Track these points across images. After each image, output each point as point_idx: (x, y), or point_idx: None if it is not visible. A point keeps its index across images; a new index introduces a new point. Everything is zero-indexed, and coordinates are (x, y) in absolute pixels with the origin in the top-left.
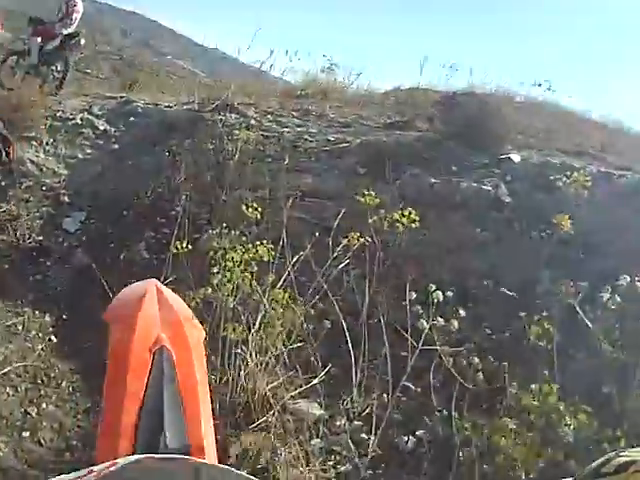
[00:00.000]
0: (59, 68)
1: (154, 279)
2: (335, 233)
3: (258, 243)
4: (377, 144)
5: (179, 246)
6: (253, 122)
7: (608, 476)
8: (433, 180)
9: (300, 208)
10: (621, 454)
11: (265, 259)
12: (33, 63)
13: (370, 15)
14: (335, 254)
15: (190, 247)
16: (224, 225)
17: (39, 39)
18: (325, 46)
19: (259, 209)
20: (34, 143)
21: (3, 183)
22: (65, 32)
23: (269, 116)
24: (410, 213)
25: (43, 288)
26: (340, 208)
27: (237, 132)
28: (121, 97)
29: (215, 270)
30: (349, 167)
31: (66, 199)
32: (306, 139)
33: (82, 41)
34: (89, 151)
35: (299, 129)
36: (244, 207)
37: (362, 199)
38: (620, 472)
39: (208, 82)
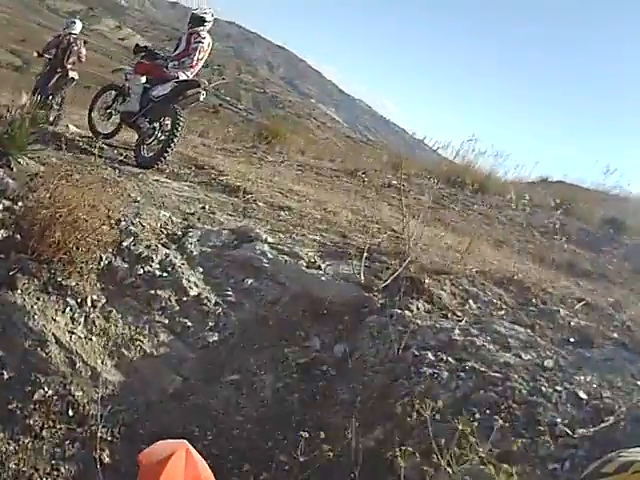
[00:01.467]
0: (165, 128)
1: (185, 442)
2: None
3: None
4: None
5: None
6: (458, 336)
7: (608, 476)
8: None
9: None
10: (621, 454)
11: None
12: (131, 111)
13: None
14: None
15: None
16: None
17: (143, 78)
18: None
19: None
20: (71, 302)
21: None
22: (182, 77)
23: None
24: None
25: None
26: None
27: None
28: (239, 225)
29: None
30: None
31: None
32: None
33: (202, 96)
34: (163, 337)
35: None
36: None
37: None
38: (620, 472)
39: (356, 147)
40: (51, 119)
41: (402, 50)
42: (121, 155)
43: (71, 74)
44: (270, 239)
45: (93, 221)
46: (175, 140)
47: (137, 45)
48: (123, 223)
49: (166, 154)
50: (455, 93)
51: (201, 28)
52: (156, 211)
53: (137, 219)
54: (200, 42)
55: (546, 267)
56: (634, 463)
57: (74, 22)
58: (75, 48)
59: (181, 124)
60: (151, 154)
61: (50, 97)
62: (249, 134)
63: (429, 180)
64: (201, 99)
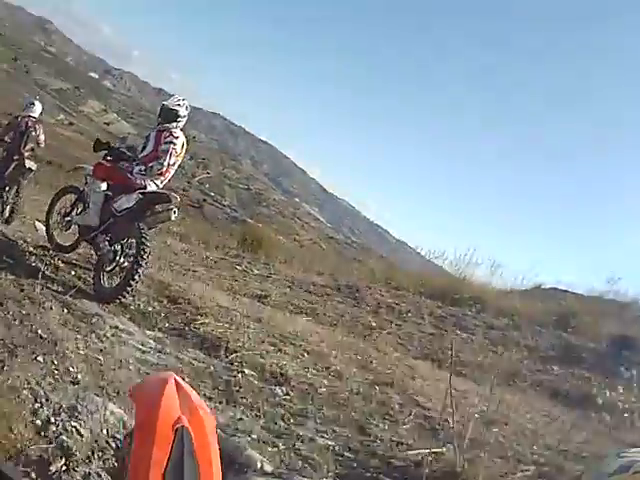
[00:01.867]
0: (128, 251)
1: (172, 372)
2: None
3: None
4: None
5: None
6: None
7: (609, 476)
8: None
9: None
10: (622, 455)
11: None
12: (89, 225)
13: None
14: None
15: None
16: None
17: (104, 185)
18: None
19: None
20: None
21: None
22: (149, 187)
23: None
24: None
25: None
26: None
27: None
28: (223, 434)
29: None
30: None
31: None
32: None
33: (174, 215)
34: None
35: None
36: None
37: None
38: (621, 473)
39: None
40: (5, 215)
41: (387, 149)
42: (79, 279)
43: (28, 163)
44: (268, 466)
45: (10, 420)
46: (140, 270)
47: (98, 140)
48: (53, 428)
49: (129, 287)
50: (442, 197)
51: (173, 125)
52: (103, 404)
53: (73, 422)
54: (172, 143)
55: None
56: (634, 464)
57: (33, 103)
58: (33, 133)
59: (147, 248)
60: (112, 285)
61: (5, 188)
62: (233, 239)
63: (423, 298)
64: (172, 218)
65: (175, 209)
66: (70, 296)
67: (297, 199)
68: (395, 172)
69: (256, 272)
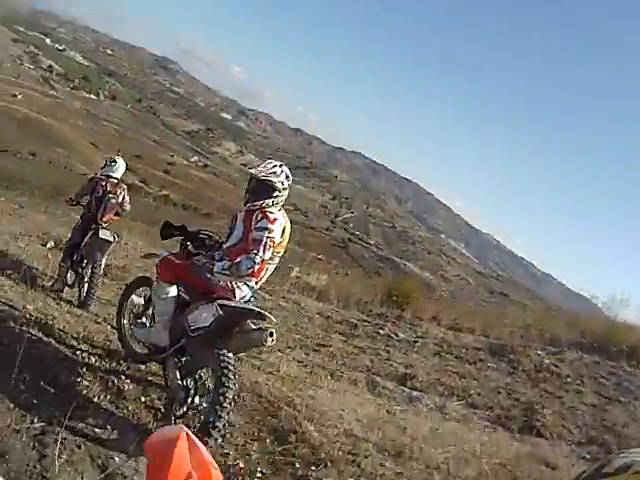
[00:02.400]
0: (205, 387)
1: (184, 426)
2: None
3: None
4: None
5: None
6: None
7: (609, 476)
8: None
9: None
10: (622, 455)
11: None
12: (156, 344)
13: None
14: None
15: None
16: None
17: (173, 289)
18: None
19: None
20: None
21: None
22: (237, 294)
23: None
24: None
25: None
26: None
27: None
28: None
29: None
30: None
31: None
32: None
33: (270, 339)
34: None
35: None
36: None
37: None
38: (620, 473)
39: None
40: (81, 296)
41: (536, 182)
42: (151, 411)
43: (102, 234)
44: None
45: None
46: (219, 422)
47: (167, 224)
48: None
49: (209, 437)
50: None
51: (269, 202)
52: None
53: None
54: (266, 229)
55: None
56: (634, 463)
57: (114, 162)
58: (113, 201)
59: (230, 388)
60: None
61: (81, 262)
62: (376, 293)
63: (580, 353)
64: (268, 343)
65: (272, 331)
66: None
67: (443, 235)
68: (540, 204)
69: (401, 336)
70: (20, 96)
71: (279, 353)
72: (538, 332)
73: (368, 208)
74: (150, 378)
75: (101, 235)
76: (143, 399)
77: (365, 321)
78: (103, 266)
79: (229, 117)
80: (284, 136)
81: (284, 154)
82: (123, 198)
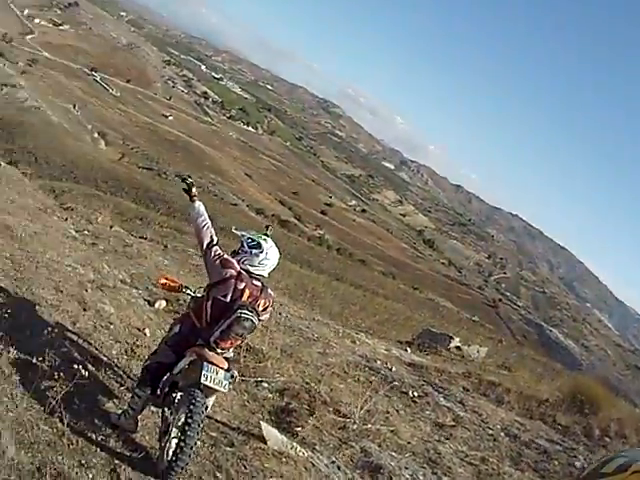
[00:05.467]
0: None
1: None
2: None
3: None
4: None
5: None
6: None
7: (608, 476)
8: None
9: None
10: (621, 455)
11: None
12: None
13: None
14: None
15: None
16: None
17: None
18: None
19: None
20: None
21: None
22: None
23: None
24: None
25: None
26: None
27: None
28: None
29: None
30: None
31: None
32: None
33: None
34: None
35: None
36: None
37: None
38: (619, 472)
39: None
40: (164, 458)
41: None
42: None
43: (210, 377)
44: None
45: None
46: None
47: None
48: None
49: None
50: None
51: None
52: None
53: None
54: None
55: None
56: (633, 463)
57: (259, 246)
58: (247, 324)
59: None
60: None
61: (171, 392)
62: (552, 392)
63: None
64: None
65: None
66: None
67: (588, 304)
68: None
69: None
70: (171, 117)
71: None
72: None
73: (521, 271)
74: None
75: (207, 381)
76: None
77: (556, 443)
78: (208, 410)
79: (391, 166)
80: (445, 191)
81: (445, 209)
82: (264, 313)
